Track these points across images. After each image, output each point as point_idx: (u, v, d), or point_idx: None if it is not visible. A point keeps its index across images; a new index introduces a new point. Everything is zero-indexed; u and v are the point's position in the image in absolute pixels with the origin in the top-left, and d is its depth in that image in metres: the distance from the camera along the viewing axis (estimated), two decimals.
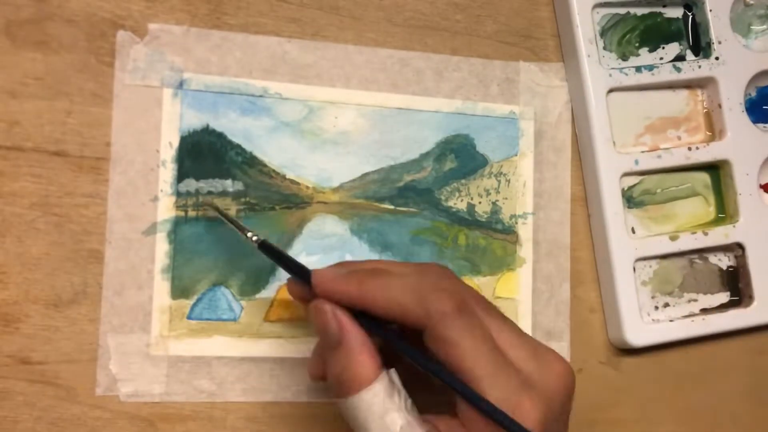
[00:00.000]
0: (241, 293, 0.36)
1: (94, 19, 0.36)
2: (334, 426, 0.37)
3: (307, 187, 0.38)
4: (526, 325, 0.40)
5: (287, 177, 0.38)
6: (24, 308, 0.34)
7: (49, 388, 0.34)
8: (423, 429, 0.28)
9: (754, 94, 0.44)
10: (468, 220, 0.40)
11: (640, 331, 0.40)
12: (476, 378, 0.28)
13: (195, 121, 0.37)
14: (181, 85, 0.36)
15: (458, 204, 0.40)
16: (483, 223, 0.40)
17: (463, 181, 0.40)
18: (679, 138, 0.43)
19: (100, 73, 0.36)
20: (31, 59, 0.35)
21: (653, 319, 0.41)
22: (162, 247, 0.36)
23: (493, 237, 0.40)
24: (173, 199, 0.36)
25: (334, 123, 0.38)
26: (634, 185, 0.42)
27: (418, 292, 0.29)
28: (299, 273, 0.31)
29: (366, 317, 0.30)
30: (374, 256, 0.38)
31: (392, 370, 0.30)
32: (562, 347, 0.40)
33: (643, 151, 0.41)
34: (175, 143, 0.36)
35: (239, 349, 0.36)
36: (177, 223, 0.36)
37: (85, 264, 0.35)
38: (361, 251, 0.38)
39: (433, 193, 0.39)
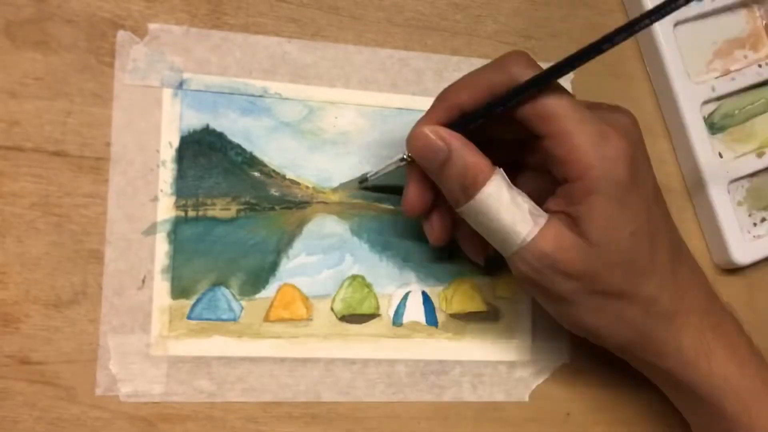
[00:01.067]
0: (241, 293, 0.36)
1: (94, 19, 0.36)
2: (334, 426, 0.37)
3: (307, 187, 0.38)
4: (526, 326, 0.40)
5: (287, 177, 0.38)
6: (24, 308, 0.34)
7: (49, 388, 0.34)
8: (543, 211, 0.32)
9: None
10: None
11: (745, 249, 0.42)
12: (563, 117, 0.30)
13: (195, 121, 0.37)
14: (181, 85, 0.36)
15: None
16: None
17: None
18: (746, 57, 0.44)
19: (100, 73, 0.36)
20: (31, 59, 0.35)
21: (754, 236, 0.43)
22: (162, 247, 0.36)
23: None
24: (173, 199, 0.36)
25: (334, 123, 0.38)
26: (714, 111, 0.43)
27: (496, 65, 0.32)
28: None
29: (455, 123, 0.32)
30: (374, 257, 0.38)
31: (501, 169, 0.32)
32: (562, 347, 0.40)
33: (716, 77, 0.43)
34: (175, 143, 0.36)
35: (239, 349, 0.36)
36: (177, 223, 0.36)
37: (85, 264, 0.35)
38: (361, 251, 0.38)
39: None
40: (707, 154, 0.42)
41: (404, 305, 0.38)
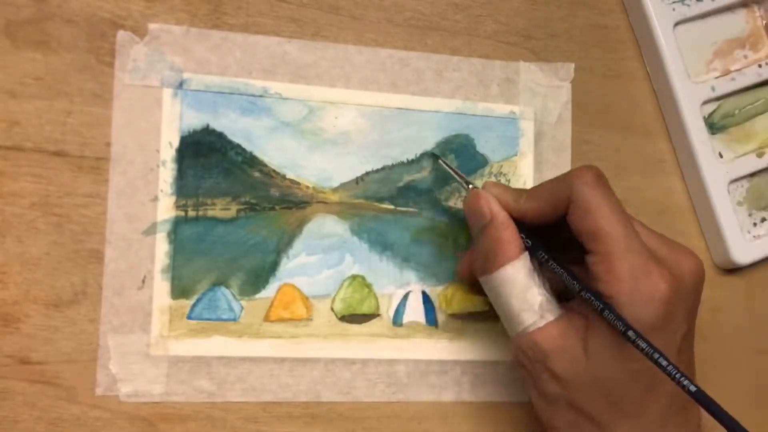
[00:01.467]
0: (241, 293, 0.36)
1: (94, 19, 0.36)
2: (334, 426, 0.37)
3: (307, 187, 0.38)
4: None
5: (287, 177, 0.38)
6: (24, 308, 0.34)
7: (49, 388, 0.34)
8: (559, 309, 0.32)
9: None
10: None
11: (745, 249, 0.42)
12: (611, 239, 0.30)
13: (195, 121, 0.37)
14: (181, 85, 0.36)
15: (458, 204, 0.40)
16: None
17: None
18: (746, 57, 0.44)
19: (100, 73, 0.36)
20: (31, 59, 0.35)
21: (754, 236, 0.43)
22: (162, 247, 0.36)
23: None
24: (173, 199, 0.36)
25: (334, 123, 0.38)
26: (714, 111, 0.43)
27: (562, 177, 0.33)
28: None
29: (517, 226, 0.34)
30: (374, 257, 0.38)
31: (527, 254, 0.33)
32: None
33: (716, 77, 0.43)
34: (175, 143, 0.36)
35: (239, 349, 0.36)
36: (177, 223, 0.36)
37: (85, 264, 0.35)
38: (361, 251, 0.38)
39: (433, 193, 0.39)
40: (707, 154, 0.42)
41: (404, 305, 0.38)
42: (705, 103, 0.42)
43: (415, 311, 0.39)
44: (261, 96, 0.37)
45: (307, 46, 0.38)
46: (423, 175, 0.39)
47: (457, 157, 0.40)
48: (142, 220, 0.35)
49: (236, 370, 0.36)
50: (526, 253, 0.33)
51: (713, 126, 0.43)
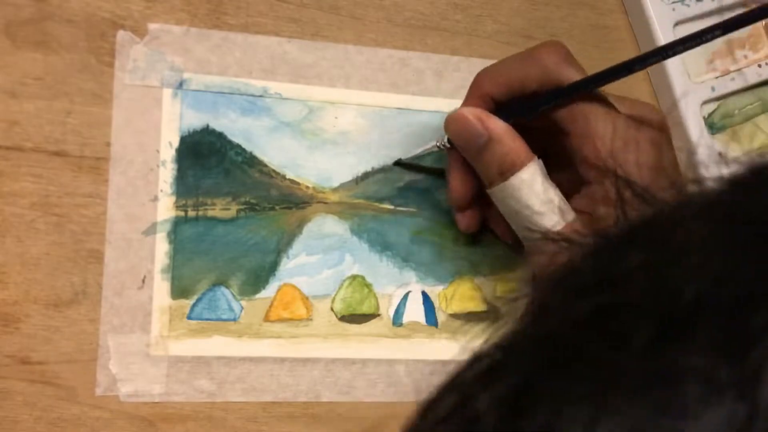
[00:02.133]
0: (241, 293, 0.36)
1: (94, 19, 0.36)
2: (334, 426, 0.37)
3: (307, 187, 0.38)
4: None
5: (287, 177, 0.38)
6: (24, 308, 0.34)
7: (49, 388, 0.34)
8: (572, 210, 0.32)
9: None
10: None
11: None
12: (593, 117, 0.31)
13: (195, 121, 0.37)
14: (181, 85, 0.36)
15: None
16: None
17: None
18: (746, 57, 0.44)
19: (100, 73, 0.36)
20: (31, 59, 0.35)
21: None
22: (162, 247, 0.36)
23: (492, 237, 0.40)
24: (173, 199, 0.36)
25: (334, 123, 0.38)
26: (713, 111, 0.43)
27: (529, 56, 0.32)
28: None
29: (498, 110, 0.33)
30: (374, 256, 0.38)
31: (539, 160, 0.32)
32: None
33: (716, 77, 0.43)
34: (175, 143, 0.36)
35: (239, 349, 0.36)
36: (177, 223, 0.36)
37: (85, 264, 0.35)
38: (361, 251, 0.38)
39: (433, 193, 0.39)
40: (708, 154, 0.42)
41: (404, 305, 0.38)
42: (705, 103, 0.42)
43: (415, 311, 0.38)
44: (261, 96, 0.37)
45: (307, 46, 0.38)
46: (423, 175, 0.39)
47: None
48: (142, 220, 0.35)
49: (236, 370, 0.36)
50: (536, 157, 0.32)
51: (713, 126, 0.43)
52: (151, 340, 0.35)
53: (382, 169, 0.39)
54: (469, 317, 0.39)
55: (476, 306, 0.39)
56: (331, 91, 0.38)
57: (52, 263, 0.34)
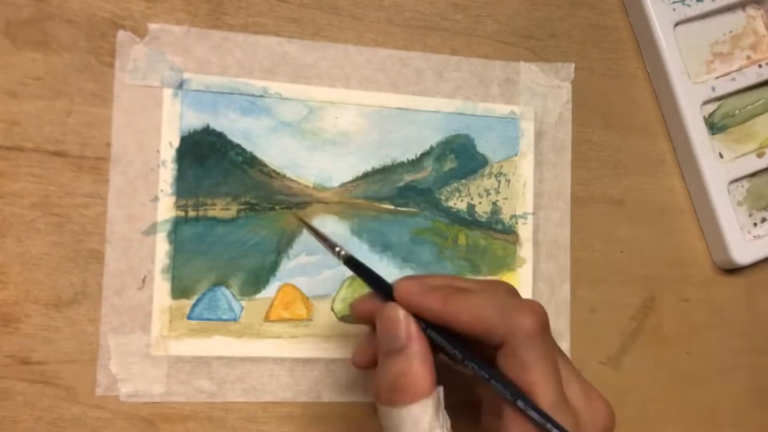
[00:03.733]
0: (241, 293, 0.36)
1: (94, 19, 0.36)
2: (334, 426, 0.37)
3: (307, 187, 0.38)
4: None
5: (287, 177, 0.38)
6: (24, 308, 0.34)
7: (49, 388, 0.34)
8: None
9: None
10: (468, 220, 0.40)
11: (745, 249, 0.42)
12: (539, 398, 0.27)
13: (195, 121, 0.37)
14: (181, 85, 0.36)
15: (458, 204, 0.40)
16: (483, 223, 0.40)
17: (463, 181, 0.40)
18: (748, 57, 0.44)
19: (100, 73, 0.36)
20: (31, 59, 0.35)
21: (754, 236, 0.43)
22: (162, 247, 0.36)
23: (493, 237, 0.40)
24: (173, 199, 0.36)
25: (334, 123, 0.38)
26: (714, 111, 0.43)
27: (504, 309, 0.28)
28: (383, 288, 0.31)
29: (437, 329, 0.29)
30: (374, 256, 0.38)
31: (441, 389, 0.29)
32: (563, 347, 0.40)
33: (717, 77, 0.43)
34: (175, 143, 0.36)
35: (239, 349, 0.36)
36: (177, 223, 0.36)
37: (85, 264, 0.35)
38: (361, 251, 0.38)
39: (433, 193, 0.39)
40: (708, 155, 0.42)
41: None
42: (705, 103, 0.42)
43: None
44: (261, 96, 0.37)
45: (307, 46, 0.38)
46: (423, 175, 0.39)
47: (457, 157, 0.40)
48: (142, 220, 0.35)
49: (236, 370, 0.36)
50: (439, 388, 0.29)
51: (713, 126, 0.43)
52: (152, 340, 0.35)
53: (382, 169, 0.39)
54: None
55: None
56: (331, 91, 0.38)
57: (52, 263, 0.34)
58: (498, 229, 0.40)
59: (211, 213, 0.36)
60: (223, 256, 0.36)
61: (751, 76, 0.43)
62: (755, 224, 0.43)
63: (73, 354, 0.34)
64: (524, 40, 0.41)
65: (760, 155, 0.43)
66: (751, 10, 0.44)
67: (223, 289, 0.36)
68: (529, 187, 0.41)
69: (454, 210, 0.40)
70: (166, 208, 0.36)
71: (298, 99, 0.38)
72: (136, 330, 0.35)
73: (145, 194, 0.36)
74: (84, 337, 0.35)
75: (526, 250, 0.40)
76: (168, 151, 0.36)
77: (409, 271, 0.39)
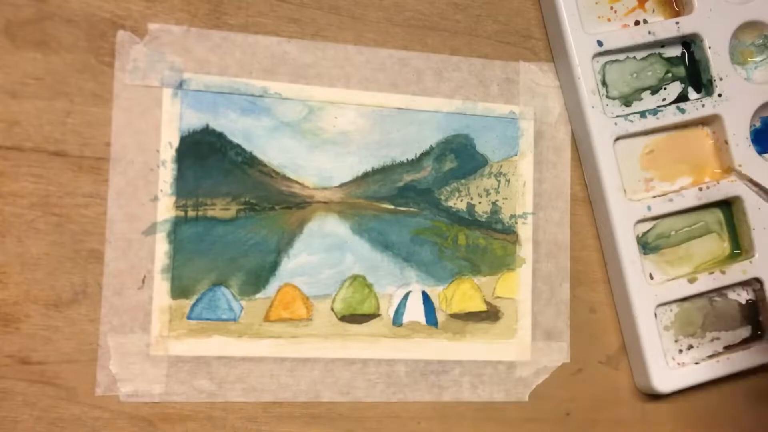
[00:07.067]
0: (241, 293, 0.37)
1: (94, 19, 0.36)
2: (334, 426, 0.37)
3: (308, 187, 0.38)
4: (526, 325, 0.40)
5: (287, 177, 0.38)
6: (24, 308, 0.34)
7: (49, 388, 0.34)
8: None
9: (758, 124, 0.43)
10: (468, 220, 0.40)
11: (667, 377, 0.40)
12: None
13: (195, 121, 0.37)
14: (181, 85, 0.36)
15: (458, 204, 0.40)
16: (483, 223, 0.40)
17: (463, 181, 0.40)
18: (688, 178, 0.42)
19: (100, 73, 0.36)
20: (31, 59, 0.35)
21: (678, 363, 0.41)
22: (162, 247, 0.36)
23: (493, 237, 0.40)
24: (173, 199, 0.36)
25: (334, 123, 0.38)
26: (648, 231, 0.41)
27: None
28: None
29: None
30: (375, 256, 0.38)
31: None
32: (562, 347, 0.40)
33: (654, 196, 0.41)
34: (175, 143, 0.36)
35: (239, 349, 0.36)
36: (177, 223, 0.36)
37: (85, 264, 0.35)
38: (361, 251, 0.38)
39: (433, 193, 0.39)
40: (637, 275, 0.40)
41: (404, 305, 0.38)
42: (639, 221, 0.40)
43: (415, 311, 0.39)
44: (261, 96, 0.37)
45: (307, 46, 0.38)
46: (423, 174, 0.39)
47: (457, 157, 0.40)
48: (142, 220, 0.36)
49: (236, 370, 0.36)
50: None
51: (646, 246, 0.41)
52: (151, 340, 0.35)
53: (382, 169, 0.39)
54: (469, 317, 0.39)
55: (476, 306, 0.39)
56: (331, 91, 0.38)
57: (52, 263, 0.34)
58: (498, 229, 0.40)
59: (210, 213, 0.36)
60: (223, 256, 0.36)
61: (690, 199, 0.41)
62: (680, 351, 0.41)
63: (73, 354, 0.34)
64: (524, 40, 0.41)
65: (691, 281, 0.40)
66: (698, 130, 0.42)
67: (223, 289, 0.36)
68: (528, 186, 0.41)
69: (454, 210, 0.40)
70: (165, 208, 0.36)
71: (298, 99, 0.38)
72: (135, 330, 0.35)
73: (145, 194, 0.36)
74: (84, 337, 0.35)
75: (525, 250, 0.40)
76: (168, 151, 0.36)
77: (409, 271, 0.39)
